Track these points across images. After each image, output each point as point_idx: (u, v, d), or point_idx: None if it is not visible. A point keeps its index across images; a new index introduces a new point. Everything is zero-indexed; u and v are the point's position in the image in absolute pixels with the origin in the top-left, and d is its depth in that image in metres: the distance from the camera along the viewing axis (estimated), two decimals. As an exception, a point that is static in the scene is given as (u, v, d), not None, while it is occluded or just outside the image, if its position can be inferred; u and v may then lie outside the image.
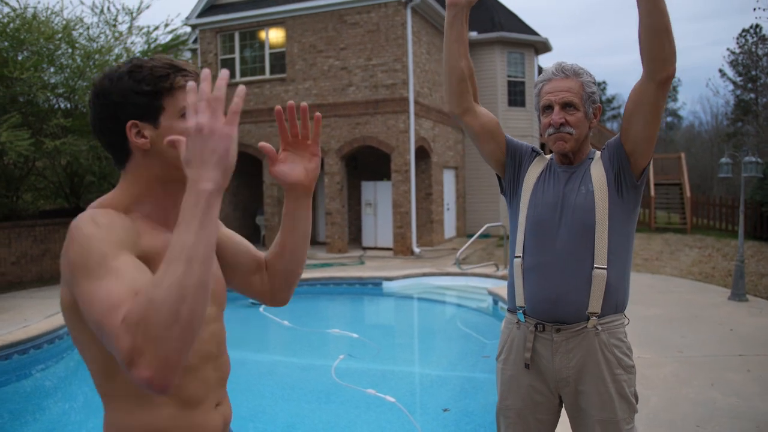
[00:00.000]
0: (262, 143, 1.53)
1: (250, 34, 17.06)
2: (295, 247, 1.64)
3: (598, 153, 2.28)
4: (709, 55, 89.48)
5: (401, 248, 15.52)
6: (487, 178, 19.55)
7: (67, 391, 6.16)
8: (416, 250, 15.54)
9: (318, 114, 1.58)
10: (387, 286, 11.05)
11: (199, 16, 17.40)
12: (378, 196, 17.04)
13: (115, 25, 13.20)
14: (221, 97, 1.10)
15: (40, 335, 6.92)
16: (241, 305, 9.55)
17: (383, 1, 15.27)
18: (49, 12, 12.06)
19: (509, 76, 20.03)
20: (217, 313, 1.51)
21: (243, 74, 17.08)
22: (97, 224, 1.23)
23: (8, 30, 11.08)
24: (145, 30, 13.83)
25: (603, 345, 2.12)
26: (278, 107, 1.49)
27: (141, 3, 13.44)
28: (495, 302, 9.18)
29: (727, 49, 50.34)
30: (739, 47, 37.17)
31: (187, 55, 18.71)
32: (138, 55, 13.45)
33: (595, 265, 2.12)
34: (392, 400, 5.30)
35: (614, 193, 2.15)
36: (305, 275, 11.35)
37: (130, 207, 1.37)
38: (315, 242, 18.83)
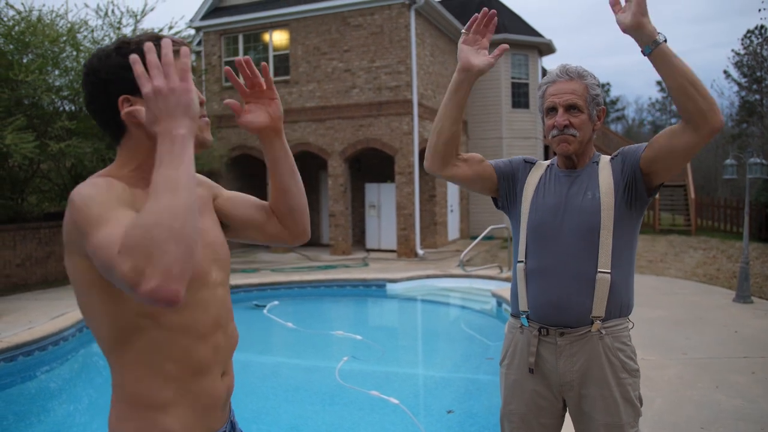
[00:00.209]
0: (227, 100, 1.61)
1: (254, 37, 17.09)
2: (287, 185, 1.72)
3: (605, 158, 2.26)
4: (711, 58, 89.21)
5: (405, 250, 15.52)
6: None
7: (71, 393, 6.18)
8: (420, 252, 15.54)
9: (264, 63, 1.67)
10: (390, 287, 11.05)
11: (203, 18, 17.44)
12: (381, 198, 17.05)
13: (119, 28, 13.23)
14: (170, 61, 1.17)
15: (45, 337, 6.93)
16: (245, 307, 9.56)
17: (387, 4, 15.28)
18: (53, 15, 12.10)
19: (513, 78, 20.03)
20: (223, 278, 1.56)
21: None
22: (96, 185, 1.29)
23: (13, 33, 11.11)
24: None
25: (607, 349, 2.11)
26: (227, 68, 1.61)
27: (145, 5, 13.46)
28: (499, 304, 9.17)
29: (732, 50, 50.22)
30: (744, 48, 37.09)
31: (191, 57, 18.73)
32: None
33: (599, 269, 2.10)
34: (396, 401, 5.30)
35: (621, 202, 2.12)
36: (309, 277, 11.35)
37: (126, 177, 1.41)
38: (318, 244, 18.85)
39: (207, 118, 1.49)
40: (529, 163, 2.38)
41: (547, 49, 21.01)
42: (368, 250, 16.98)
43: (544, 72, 21.72)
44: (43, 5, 12.61)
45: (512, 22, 20.81)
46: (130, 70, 1.33)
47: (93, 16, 41.12)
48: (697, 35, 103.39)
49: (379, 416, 5.21)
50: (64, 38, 11.64)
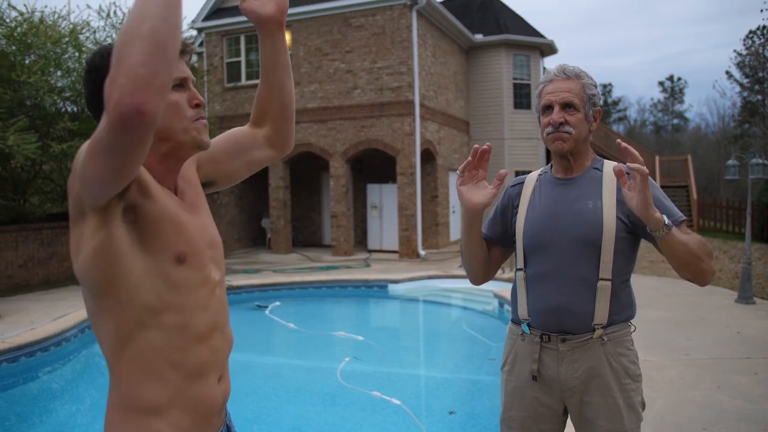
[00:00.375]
0: None
1: (255, 38, 17.06)
2: (284, 80, 1.71)
3: (611, 165, 2.19)
4: (713, 58, 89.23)
5: (407, 251, 15.52)
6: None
7: (74, 394, 6.19)
8: (422, 252, 15.54)
9: None
10: (392, 288, 11.05)
11: (205, 19, 17.46)
12: (383, 198, 17.05)
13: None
14: None
15: (47, 338, 6.94)
16: (247, 308, 9.57)
17: (388, 4, 15.29)
18: (56, 16, 12.10)
19: (515, 79, 20.03)
20: (221, 278, 1.55)
21: (249, 77, 17.13)
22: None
23: (15, 34, 11.13)
24: (151, 33, 13.85)
25: (609, 355, 2.10)
26: None
27: (147, 7, 13.46)
28: (501, 305, 9.17)
29: (734, 50, 50.16)
30: (746, 49, 37.03)
31: (193, 58, 18.75)
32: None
33: (600, 277, 2.09)
34: (398, 402, 5.30)
35: (621, 223, 2.11)
36: (311, 278, 11.36)
37: None
38: (320, 245, 18.86)
39: (205, 121, 1.49)
40: (518, 184, 2.39)
41: (548, 49, 21.01)
42: (370, 251, 16.98)
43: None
44: (46, 6, 12.66)
45: (513, 22, 20.82)
46: None
47: (95, 17, 41.14)
48: (699, 36, 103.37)
49: (380, 417, 5.21)
50: (67, 39, 11.66)
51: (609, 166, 2.22)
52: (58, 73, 11.95)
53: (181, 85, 1.43)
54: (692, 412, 4.46)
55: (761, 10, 19.20)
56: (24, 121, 10.24)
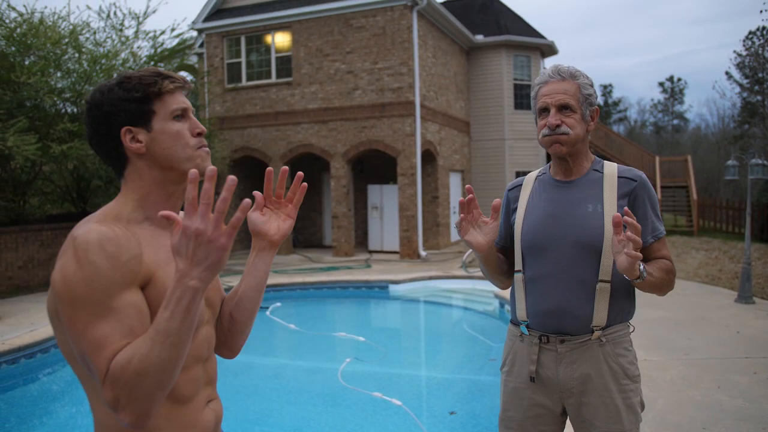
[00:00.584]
0: (256, 192, 1.62)
1: (256, 38, 17.10)
2: (255, 297, 1.64)
3: (611, 168, 2.21)
4: (714, 58, 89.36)
5: (407, 251, 15.52)
6: (494, 182, 19.56)
7: (74, 395, 6.18)
8: (422, 253, 15.54)
9: (305, 184, 1.64)
10: (393, 289, 11.05)
11: (206, 20, 17.46)
12: (384, 199, 17.05)
13: (121, 30, 13.26)
14: (224, 210, 1.14)
15: (47, 339, 6.94)
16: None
17: (389, 5, 15.29)
18: (55, 17, 12.11)
19: (515, 79, 20.03)
20: (210, 317, 1.55)
21: (249, 78, 17.13)
22: (105, 251, 1.25)
23: (15, 35, 11.13)
24: (151, 34, 13.90)
25: (608, 356, 2.10)
26: (270, 169, 1.57)
27: (147, 7, 13.49)
28: (501, 305, 9.18)
29: (734, 51, 50.19)
30: (746, 50, 37.04)
31: (194, 59, 18.77)
32: (144, 59, 13.52)
33: (599, 279, 2.09)
34: (399, 403, 5.30)
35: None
36: (312, 278, 11.36)
37: (132, 215, 1.41)
38: (321, 246, 18.87)
39: (207, 149, 1.49)
40: (516, 187, 2.39)
41: (549, 50, 21.01)
42: (371, 252, 16.98)
43: (546, 73, 21.67)
44: (45, 7, 12.67)
45: (514, 23, 20.82)
46: (132, 102, 1.39)
47: (95, 18, 41.27)
48: (700, 37, 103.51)
49: (381, 417, 5.21)
50: (66, 40, 11.67)
51: (609, 167, 2.22)
52: (58, 74, 11.97)
53: (182, 115, 1.45)
54: (692, 412, 4.46)
55: (761, 11, 19.18)
56: (24, 122, 10.24)
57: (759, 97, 34.26)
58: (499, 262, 2.31)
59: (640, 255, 1.83)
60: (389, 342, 8.24)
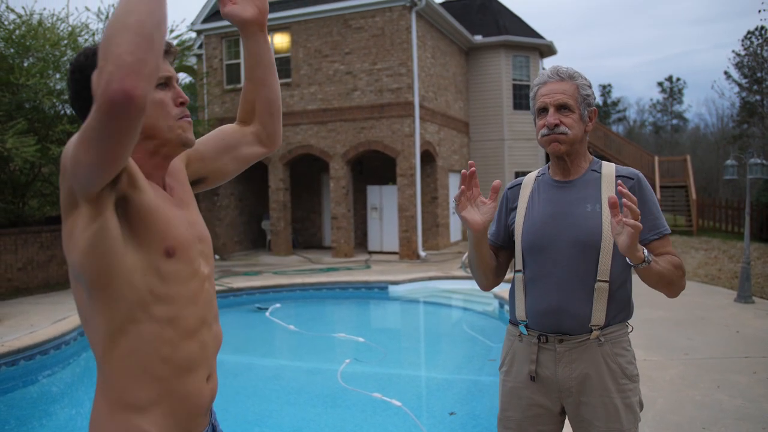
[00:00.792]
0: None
1: (254, 40, 17.05)
2: (267, 78, 1.74)
3: (609, 168, 2.21)
4: (713, 58, 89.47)
5: (407, 252, 15.52)
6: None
7: (73, 397, 6.18)
8: (422, 253, 15.54)
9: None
10: (393, 289, 11.05)
11: (205, 21, 17.47)
12: (383, 200, 17.05)
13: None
14: None
15: (47, 341, 6.94)
16: (247, 310, 9.57)
17: (388, 6, 15.30)
18: (54, 18, 12.11)
19: (514, 80, 20.04)
20: (210, 273, 1.57)
21: (248, 79, 17.08)
22: None
23: (14, 37, 11.13)
24: (150, 36, 13.85)
25: (607, 356, 2.10)
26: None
27: (146, 9, 13.46)
28: (501, 306, 9.17)
29: (733, 51, 50.22)
30: (745, 49, 37.07)
31: (193, 60, 18.76)
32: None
33: (598, 278, 2.09)
34: (398, 404, 5.30)
35: None
36: (311, 279, 11.36)
37: None
38: (321, 246, 18.86)
39: (190, 119, 1.51)
40: (516, 186, 2.39)
41: (548, 50, 21.02)
42: (370, 253, 16.98)
43: (545, 73, 21.67)
44: (44, 9, 12.67)
45: (513, 23, 20.83)
46: None
47: (94, 20, 41.14)
48: (700, 37, 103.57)
49: (381, 418, 5.21)
50: (65, 42, 11.67)
51: (607, 167, 2.23)
52: (57, 75, 11.95)
53: (165, 84, 1.45)
54: (692, 412, 4.46)
55: (759, 11, 19.18)
56: (23, 123, 10.24)
57: (758, 97, 34.29)
58: (490, 255, 2.31)
59: (640, 225, 1.82)
60: (389, 343, 8.23)
